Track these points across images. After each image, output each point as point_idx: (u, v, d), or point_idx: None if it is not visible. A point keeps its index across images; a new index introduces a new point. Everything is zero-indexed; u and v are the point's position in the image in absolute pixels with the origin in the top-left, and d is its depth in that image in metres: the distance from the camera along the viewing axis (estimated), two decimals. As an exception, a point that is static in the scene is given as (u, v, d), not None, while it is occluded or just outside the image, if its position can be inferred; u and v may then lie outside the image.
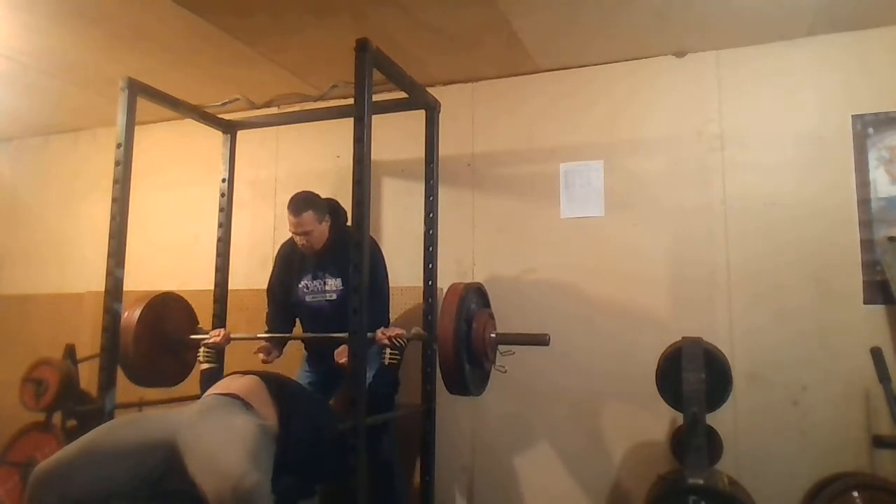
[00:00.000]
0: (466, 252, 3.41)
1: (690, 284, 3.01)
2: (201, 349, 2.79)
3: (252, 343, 2.89)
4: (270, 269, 3.14)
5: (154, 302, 2.87)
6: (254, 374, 2.30)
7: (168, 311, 2.94)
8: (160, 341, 2.87)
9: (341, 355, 2.64)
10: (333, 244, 2.91)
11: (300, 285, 2.97)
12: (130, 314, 2.77)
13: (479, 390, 2.68)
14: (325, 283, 2.93)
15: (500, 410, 3.26)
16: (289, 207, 2.83)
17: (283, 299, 3.04)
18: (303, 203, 2.82)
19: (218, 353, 2.82)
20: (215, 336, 2.79)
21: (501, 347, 2.70)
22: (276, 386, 2.24)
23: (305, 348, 3.12)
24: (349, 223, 2.64)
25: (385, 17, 2.79)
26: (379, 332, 2.57)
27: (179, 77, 3.37)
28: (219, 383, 2.29)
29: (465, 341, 2.49)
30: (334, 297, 2.90)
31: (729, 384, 2.56)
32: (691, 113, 3.11)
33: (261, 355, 2.85)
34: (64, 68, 3.39)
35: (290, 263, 3.04)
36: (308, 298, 2.95)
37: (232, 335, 2.82)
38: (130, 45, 3.09)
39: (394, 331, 2.58)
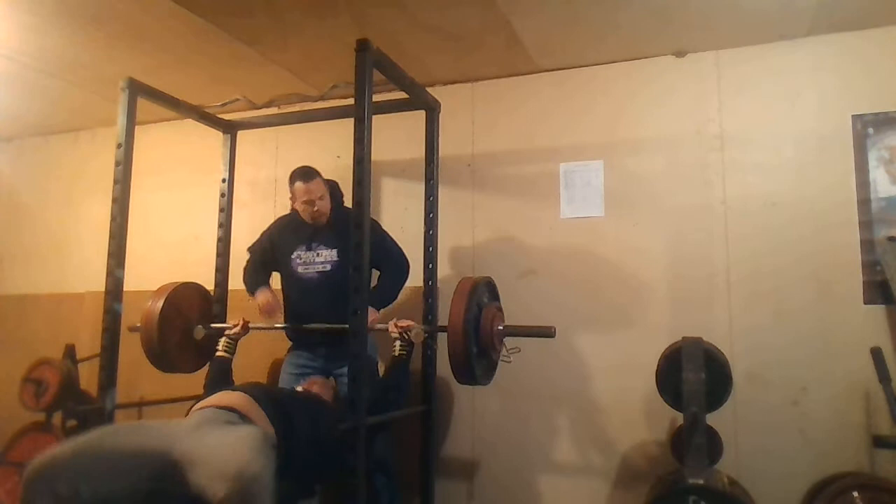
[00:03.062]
0: (466, 252, 3.41)
1: (690, 284, 3.01)
2: (222, 339, 2.84)
3: (256, 338, 2.91)
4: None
5: (177, 291, 2.93)
6: (242, 391, 2.26)
7: (189, 299, 3.01)
8: (183, 329, 2.94)
9: None
10: (332, 218, 2.99)
11: (293, 256, 3.02)
12: (154, 303, 2.84)
13: (486, 380, 2.67)
14: (318, 255, 2.99)
15: (499, 410, 3.26)
16: (297, 178, 2.92)
17: (261, 259, 3.12)
18: (311, 171, 2.93)
19: (236, 343, 2.87)
20: (235, 327, 2.86)
21: (508, 346, 2.70)
22: (267, 399, 2.21)
23: (289, 337, 3.12)
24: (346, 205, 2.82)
25: (385, 17, 2.79)
26: (391, 325, 2.63)
27: (179, 77, 3.37)
28: (210, 398, 2.24)
29: (474, 331, 2.50)
30: (327, 267, 2.96)
31: (729, 384, 2.56)
32: (691, 113, 3.11)
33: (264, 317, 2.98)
34: (64, 68, 3.39)
35: (282, 234, 3.11)
36: (300, 269, 3.00)
37: (251, 325, 2.89)
38: (130, 45, 3.09)
39: (404, 322, 2.63)
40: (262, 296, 2.99)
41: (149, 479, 1.83)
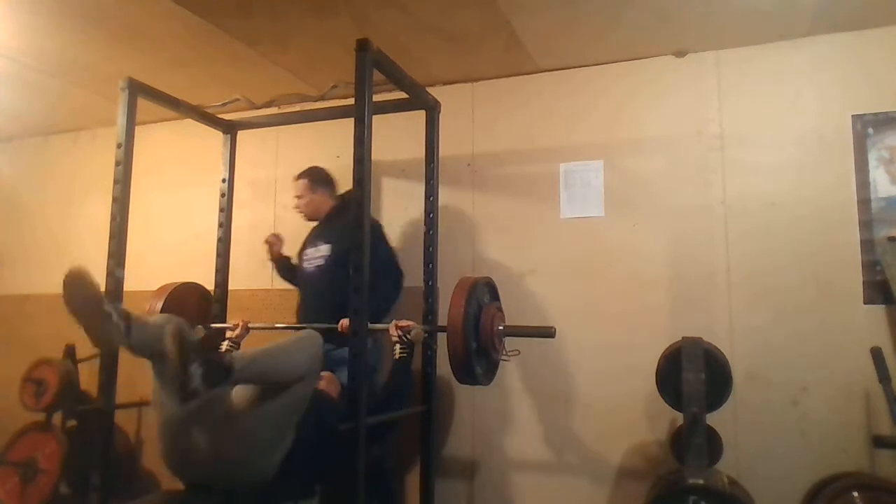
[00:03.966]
0: (466, 252, 3.41)
1: (690, 284, 3.01)
2: (224, 343, 2.84)
3: (257, 339, 2.91)
4: (270, 269, 3.20)
5: (177, 291, 2.95)
6: None
7: (189, 299, 3.03)
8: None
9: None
10: (332, 215, 3.12)
11: (303, 253, 3.19)
12: (154, 303, 2.85)
13: (487, 380, 2.68)
14: (317, 250, 3.11)
15: (500, 409, 3.26)
16: None
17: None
18: (304, 171, 3.22)
19: (239, 346, 2.86)
20: (235, 328, 2.86)
21: (508, 349, 2.70)
22: None
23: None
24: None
25: (385, 17, 2.79)
26: (392, 327, 2.61)
27: (179, 77, 3.37)
28: None
29: (474, 330, 2.50)
30: (321, 262, 3.05)
31: (729, 384, 2.56)
32: (691, 113, 3.11)
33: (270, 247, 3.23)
34: (64, 68, 3.39)
35: (308, 234, 3.28)
36: (304, 265, 3.15)
37: (250, 325, 2.90)
38: (130, 45, 3.09)
39: (404, 323, 2.61)
40: None
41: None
